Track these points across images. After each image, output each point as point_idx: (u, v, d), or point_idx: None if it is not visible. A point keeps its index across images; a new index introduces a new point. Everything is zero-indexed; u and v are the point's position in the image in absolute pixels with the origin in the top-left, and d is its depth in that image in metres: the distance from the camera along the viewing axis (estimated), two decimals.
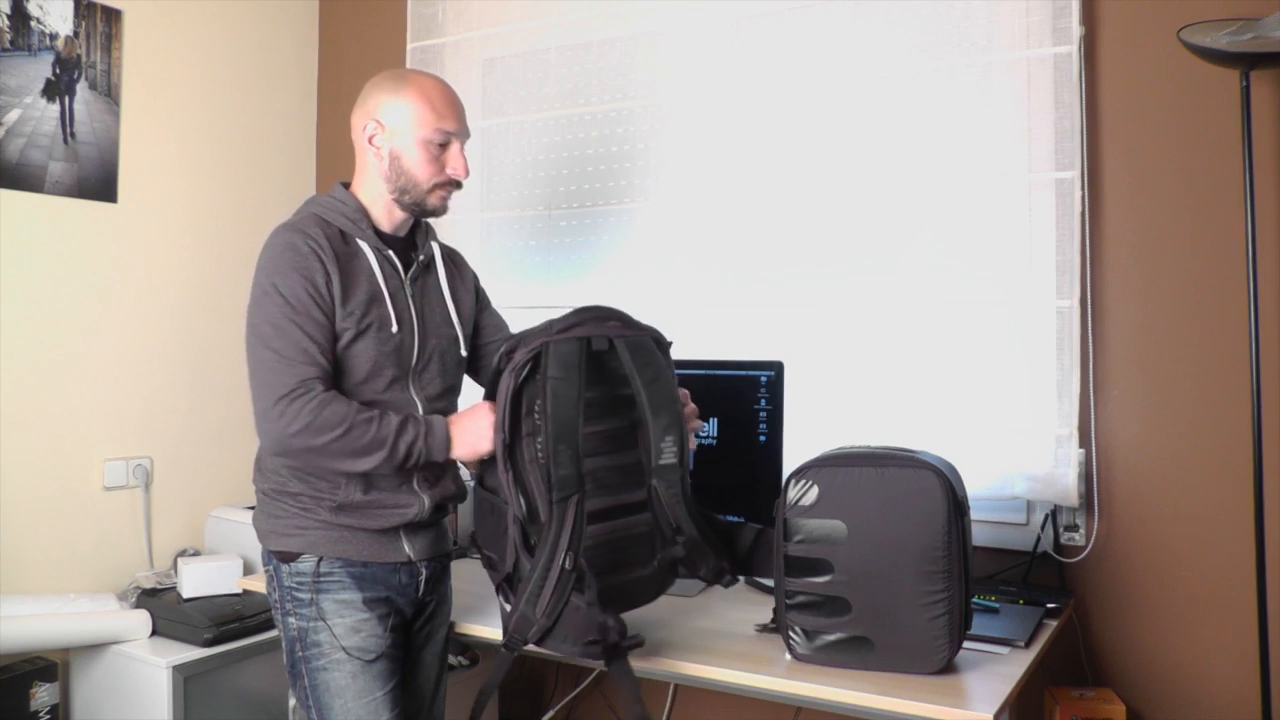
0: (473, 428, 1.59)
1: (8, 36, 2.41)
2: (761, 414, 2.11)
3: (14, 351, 2.42)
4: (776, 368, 2.11)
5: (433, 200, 1.70)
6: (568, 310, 1.60)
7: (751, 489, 2.10)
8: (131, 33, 2.66)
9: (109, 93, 2.61)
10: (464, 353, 1.80)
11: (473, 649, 2.51)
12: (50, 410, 2.49)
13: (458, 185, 1.71)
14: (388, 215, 1.71)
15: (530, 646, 1.54)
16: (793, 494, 1.59)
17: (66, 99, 2.52)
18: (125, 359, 2.65)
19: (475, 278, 1.91)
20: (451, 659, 2.45)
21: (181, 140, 2.79)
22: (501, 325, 1.92)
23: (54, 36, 2.49)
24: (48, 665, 2.35)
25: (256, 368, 1.56)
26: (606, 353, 1.57)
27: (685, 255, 2.53)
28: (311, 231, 1.60)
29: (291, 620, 1.65)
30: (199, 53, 2.83)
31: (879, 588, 1.53)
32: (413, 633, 1.76)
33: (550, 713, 2.66)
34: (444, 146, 1.68)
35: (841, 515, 1.55)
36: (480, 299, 1.90)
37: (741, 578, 1.71)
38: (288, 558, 1.65)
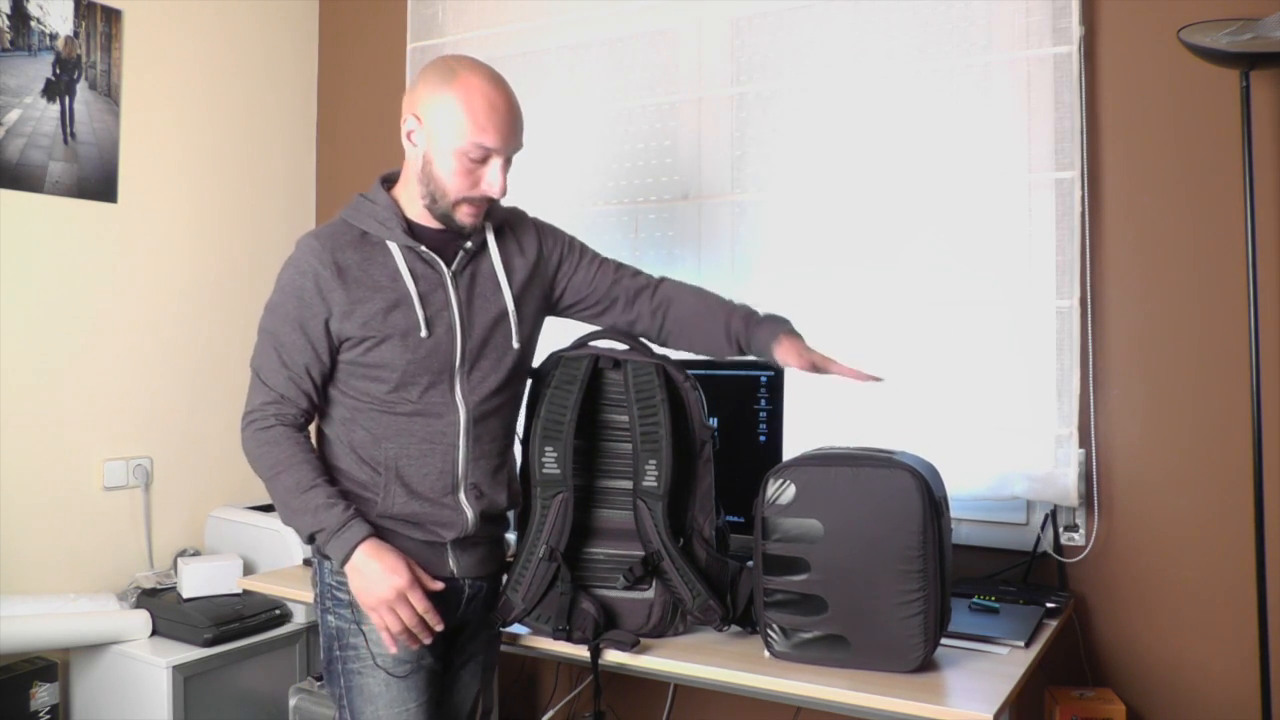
0: (371, 580, 1.50)
1: (8, 36, 2.41)
2: (761, 414, 2.11)
3: (14, 351, 2.42)
4: (776, 368, 2.11)
5: (460, 215, 1.57)
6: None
7: (752, 489, 2.09)
8: (131, 33, 2.66)
9: (109, 93, 2.61)
10: (515, 344, 1.65)
11: None
12: (50, 410, 2.49)
13: (491, 202, 1.58)
14: (426, 213, 1.60)
15: (521, 630, 1.73)
16: (770, 493, 1.60)
17: (66, 99, 2.52)
18: (125, 359, 2.65)
19: (548, 239, 1.75)
20: None
21: (181, 140, 2.79)
22: (603, 279, 1.76)
23: (54, 36, 2.49)
24: (48, 665, 2.35)
25: (251, 374, 1.61)
26: (614, 377, 1.69)
27: (685, 255, 2.53)
28: (325, 243, 1.55)
29: (330, 618, 1.61)
30: (199, 53, 2.83)
31: (855, 587, 1.54)
32: (453, 655, 1.71)
33: (550, 713, 2.66)
34: (481, 161, 1.54)
35: (818, 515, 1.56)
36: (559, 260, 1.74)
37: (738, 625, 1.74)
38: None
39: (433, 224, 1.61)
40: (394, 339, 1.55)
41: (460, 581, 1.65)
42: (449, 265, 1.60)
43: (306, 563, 2.30)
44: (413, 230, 1.60)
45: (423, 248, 1.58)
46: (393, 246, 1.58)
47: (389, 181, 1.65)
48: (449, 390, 1.60)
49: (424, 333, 1.56)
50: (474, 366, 1.61)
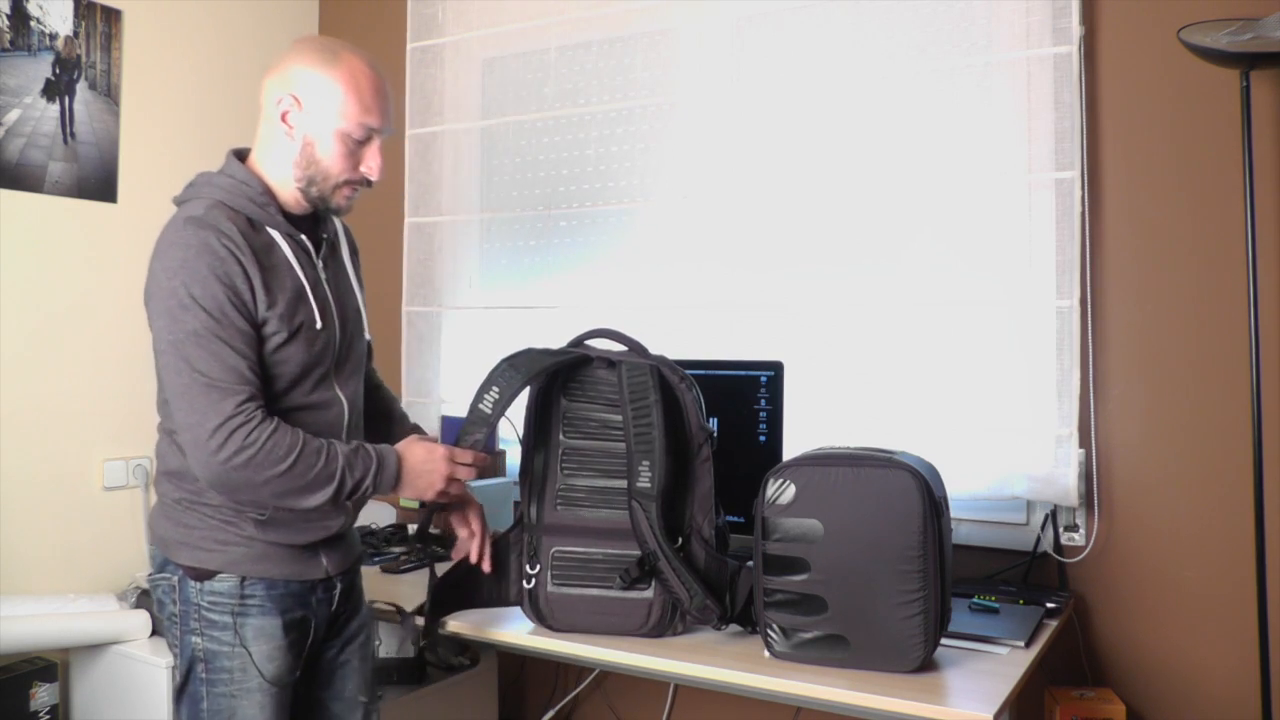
0: (424, 470, 1.55)
1: (8, 36, 2.41)
2: (761, 414, 2.11)
3: (14, 351, 2.42)
4: (776, 368, 2.11)
5: (338, 198, 1.54)
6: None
7: (752, 489, 2.09)
8: (131, 33, 2.66)
9: (109, 93, 2.61)
10: (367, 335, 1.69)
11: (473, 648, 2.51)
12: (50, 410, 2.49)
13: (368, 184, 1.56)
14: (295, 198, 1.54)
15: (520, 630, 1.76)
16: (770, 492, 1.60)
17: (66, 99, 2.52)
18: (125, 359, 2.65)
19: (357, 255, 1.76)
20: (452, 659, 2.45)
21: (181, 140, 2.78)
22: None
23: (54, 36, 2.49)
24: (48, 665, 2.35)
25: (185, 393, 1.40)
26: (609, 378, 1.69)
27: (685, 255, 2.52)
28: (225, 227, 1.43)
29: (196, 639, 1.51)
30: (199, 53, 2.83)
31: (855, 587, 1.54)
32: (324, 653, 1.65)
33: (550, 713, 2.66)
34: (363, 142, 1.53)
35: (818, 515, 1.57)
36: (361, 281, 1.74)
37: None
38: (202, 575, 1.50)
39: (298, 209, 1.56)
40: (301, 332, 1.50)
41: (333, 580, 1.61)
42: (317, 254, 1.57)
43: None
44: (286, 218, 1.55)
45: (301, 235, 1.54)
46: (275, 235, 1.51)
47: (239, 158, 1.57)
48: (331, 384, 1.57)
49: (319, 324, 1.52)
50: (346, 359, 1.61)
